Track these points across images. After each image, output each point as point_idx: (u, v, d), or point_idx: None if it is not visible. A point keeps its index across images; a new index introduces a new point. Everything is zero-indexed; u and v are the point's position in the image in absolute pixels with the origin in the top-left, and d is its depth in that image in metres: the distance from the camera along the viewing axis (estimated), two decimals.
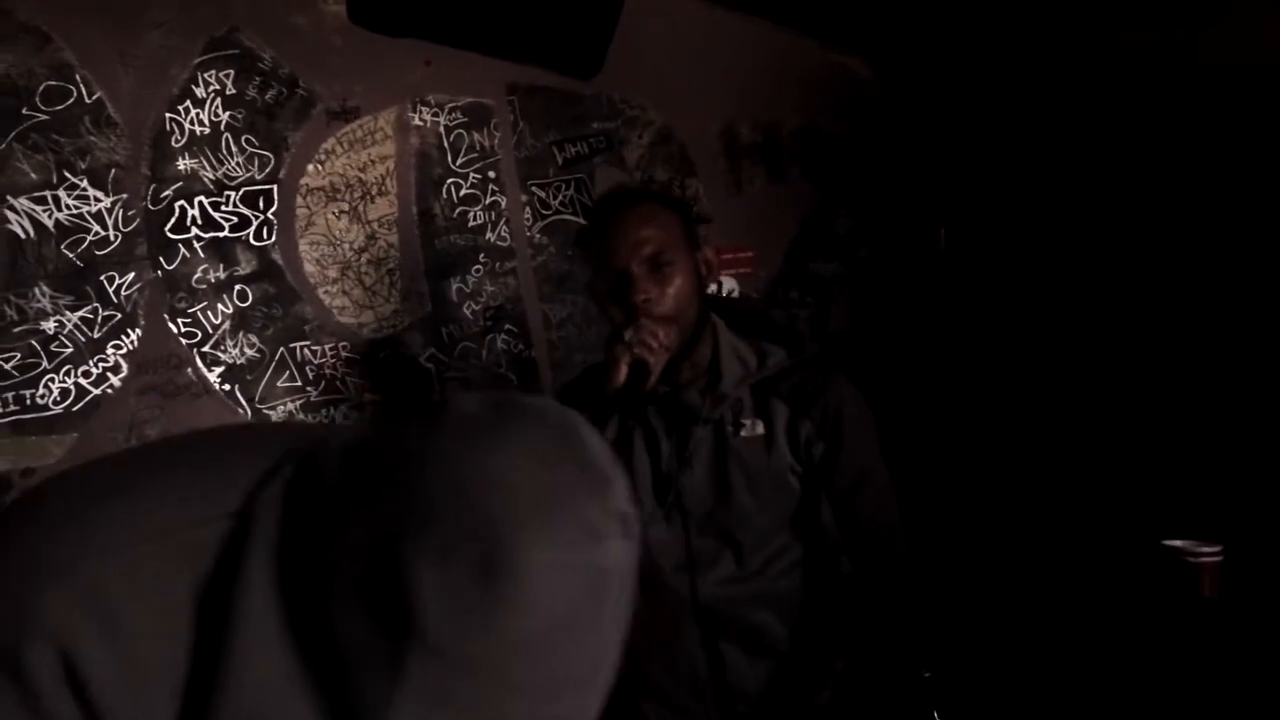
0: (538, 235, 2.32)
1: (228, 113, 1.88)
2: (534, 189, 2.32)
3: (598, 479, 0.57)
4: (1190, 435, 2.28)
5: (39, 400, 1.79)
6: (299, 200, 1.99)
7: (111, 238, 1.85)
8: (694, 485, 1.38)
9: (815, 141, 2.89)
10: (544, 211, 2.33)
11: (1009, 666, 2.07)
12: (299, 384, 1.93)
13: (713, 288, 1.58)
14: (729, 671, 1.39)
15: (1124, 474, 2.34)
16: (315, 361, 1.97)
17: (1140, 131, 2.64)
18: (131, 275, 1.86)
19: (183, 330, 1.89)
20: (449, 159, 2.20)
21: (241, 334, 1.88)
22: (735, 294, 2.70)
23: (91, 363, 1.83)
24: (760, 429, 1.38)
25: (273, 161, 1.95)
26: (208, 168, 1.86)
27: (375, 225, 2.08)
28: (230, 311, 1.88)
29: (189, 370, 1.89)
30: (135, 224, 1.85)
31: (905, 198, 3.03)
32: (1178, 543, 1.64)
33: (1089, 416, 2.59)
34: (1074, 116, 2.80)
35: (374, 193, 2.08)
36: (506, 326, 2.27)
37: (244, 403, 1.86)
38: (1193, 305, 2.52)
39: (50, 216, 1.80)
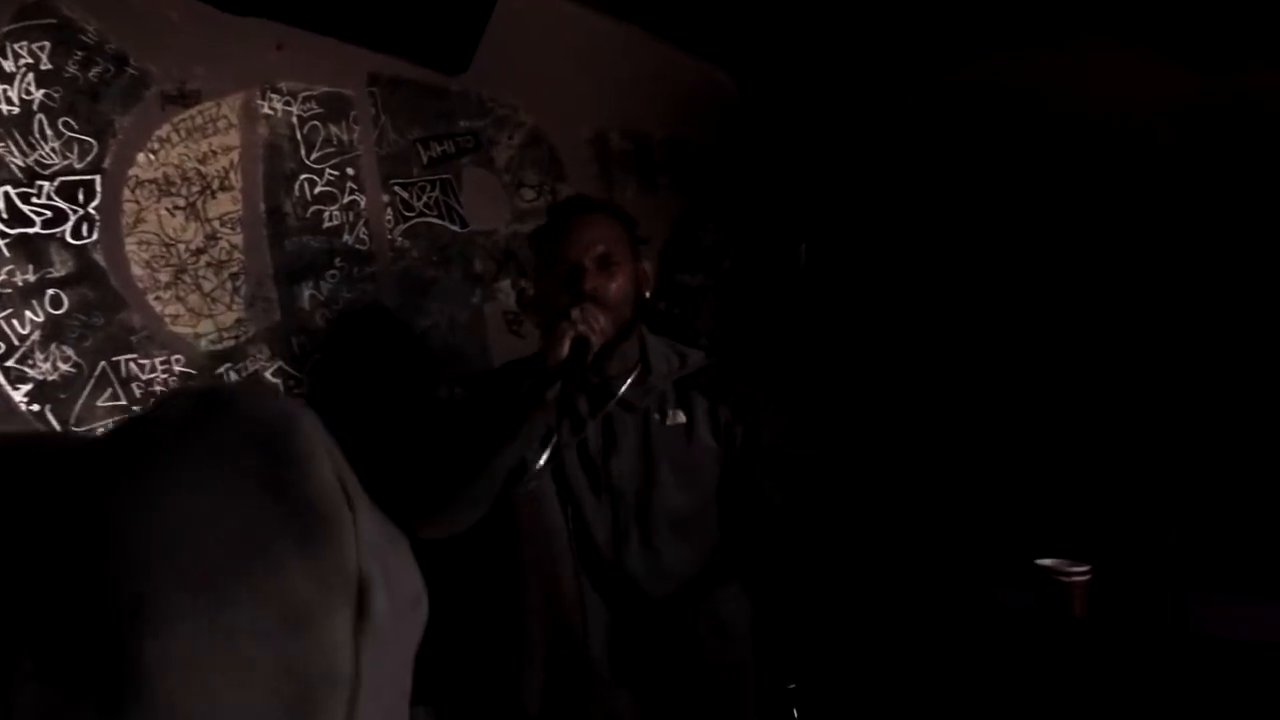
0: (400, 238, 2.16)
1: (42, 91, 1.63)
2: (396, 189, 2.15)
3: (310, 524, 0.37)
4: (1057, 453, 2.40)
5: None
6: (126, 193, 1.75)
7: None
8: (622, 467, 1.54)
9: (684, 152, 2.85)
10: (406, 213, 2.17)
11: (874, 680, 2.08)
12: (124, 403, 1.70)
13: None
14: (643, 641, 1.52)
15: (991, 492, 2.43)
16: (143, 377, 1.74)
17: (996, 152, 2.75)
18: None
19: None
20: (302, 153, 2.00)
21: (54, 346, 1.63)
22: None
23: None
24: (682, 418, 1.56)
25: (96, 148, 1.70)
26: (16, 153, 1.60)
27: (216, 224, 1.87)
28: (41, 320, 1.62)
29: None
30: None
31: (768, 211, 3.05)
32: (1048, 562, 1.69)
33: (954, 434, 2.68)
34: (933, 134, 2.89)
35: (215, 187, 1.86)
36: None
37: (56, 425, 1.62)
38: (1059, 321, 2.65)
39: None
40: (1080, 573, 1.64)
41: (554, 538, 1.57)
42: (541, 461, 1.50)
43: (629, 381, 1.54)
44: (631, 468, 1.54)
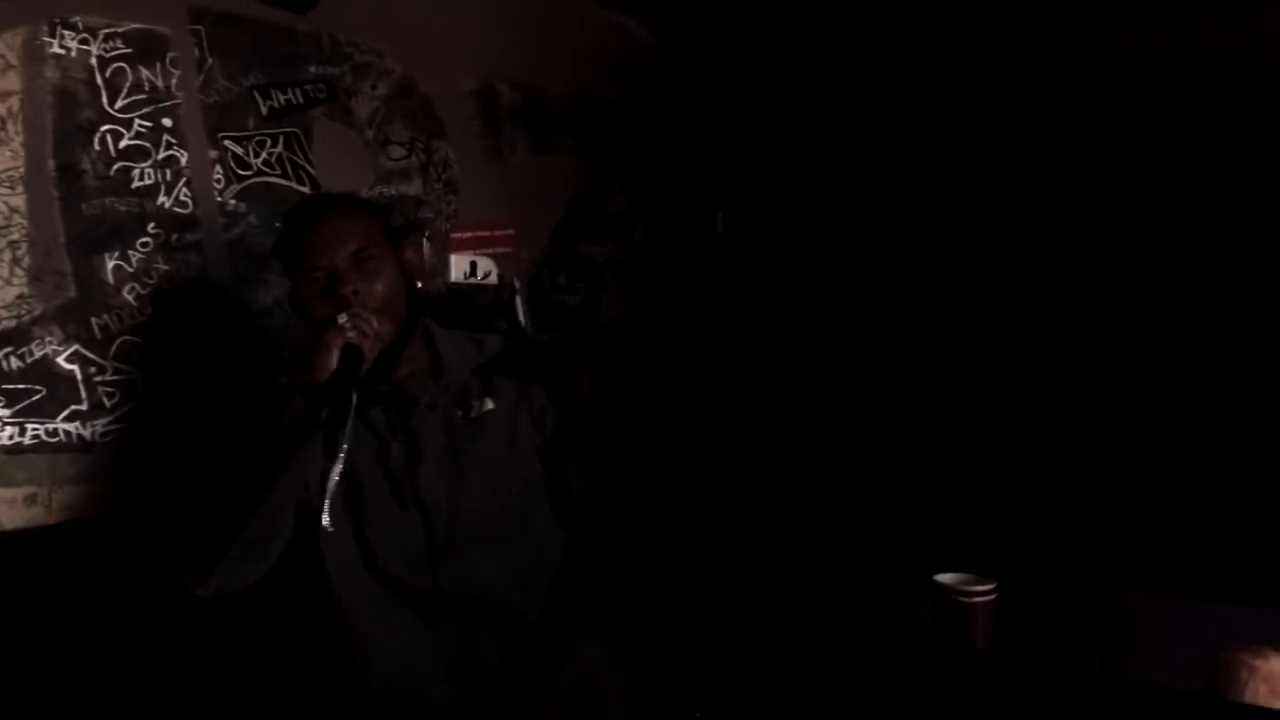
0: (232, 201, 1.88)
1: None
2: (228, 144, 1.87)
3: None
4: (974, 443, 2.18)
5: None
6: None
7: None
8: (430, 477, 1.39)
9: (588, 109, 2.58)
10: (241, 172, 1.89)
11: (773, 693, 1.86)
12: None
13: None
14: (482, 658, 1.39)
15: (901, 486, 2.21)
16: None
17: (933, 112, 2.51)
18: None
19: None
20: (104, 100, 1.71)
21: None
22: (492, 276, 2.36)
23: None
24: (490, 404, 1.43)
25: None
26: None
27: None
28: None
29: None
30: None
31: (683, 176, 2.79)
32: (946, 578, 1.46)
33: (871, 417, 2.45)
34: (866, 96, 2.64)
35: None
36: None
37: None
38: (984, 299, 2.42)
39: None
40: (983, 592, 1.41)
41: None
42: (330, 489, 1.31)
43: (420, 381, 1.43)
44: (439, 473, 1.39)
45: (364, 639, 1.42)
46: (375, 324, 1.32)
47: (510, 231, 2.41)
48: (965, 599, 1.41)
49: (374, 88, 2.10)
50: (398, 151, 2.14)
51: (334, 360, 1.29)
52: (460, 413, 1.42)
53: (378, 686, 1.42)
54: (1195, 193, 2.11)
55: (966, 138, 2.40)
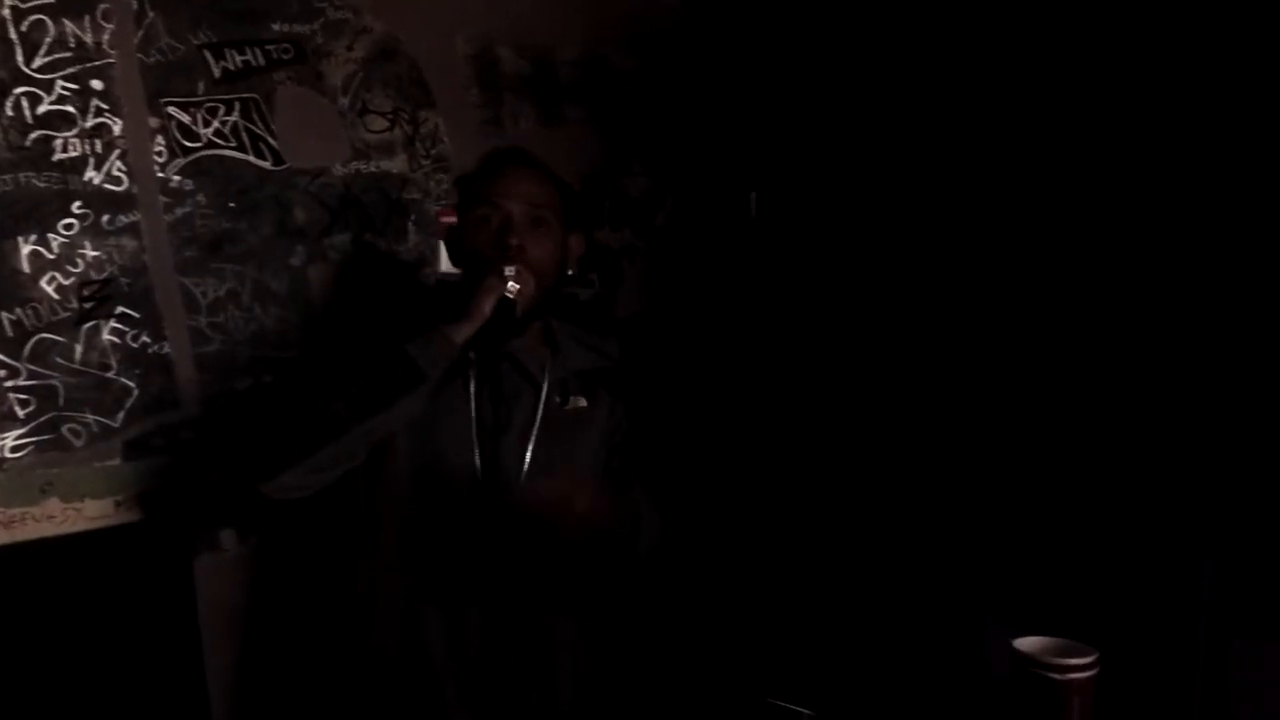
0: (176, 178, 1.62)
1: None
2: (171, 111, 1.61)
3: None
4: (1044, 465, 1.85)
5: None
6: None
7: None
8: (511, 448, 1.36)
9: (602, 77, 2.29)
10: (188, 144, 1.63)
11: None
12: None
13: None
14: (506, 645, 1.33)
15: (947, 518, 1.89)
16: None
17: (998, 81, 2.18)
18: None
19: None
20: (19, 58, 1.46)
21: None
22: None
23: None
24: (584, 403, 1.44)
25: None
26: None
27: None
28: None
29: None
30: None
31: (711, 154, 2.48)
32: (1029, 643, 1.14)
33: (924, 431, 2.13)
34: (917, 59, 2.31)
35: None
36: (119, 310, 1.56)
37: None
38: (1061, 303, 2.09)
39: None
40: (1083, 665, 1.10)
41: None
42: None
43: (540, 360, 1.43)
44: (516, 450, 1.37)
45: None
46: (533, 285, 1.33)
47: None
48: (1059, 675, 1.09)
49: (350, 49, 1.82)
50: (378, 123, 1.86)
51: (490, 308, 1.28)
52: (559, 399, 1.41)
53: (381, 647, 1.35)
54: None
55: (1034, 105, 2.07)
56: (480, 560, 1.32)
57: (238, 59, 1.68)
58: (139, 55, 1.57)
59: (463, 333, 1.28)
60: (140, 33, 1.57)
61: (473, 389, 1.35)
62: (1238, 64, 1.73)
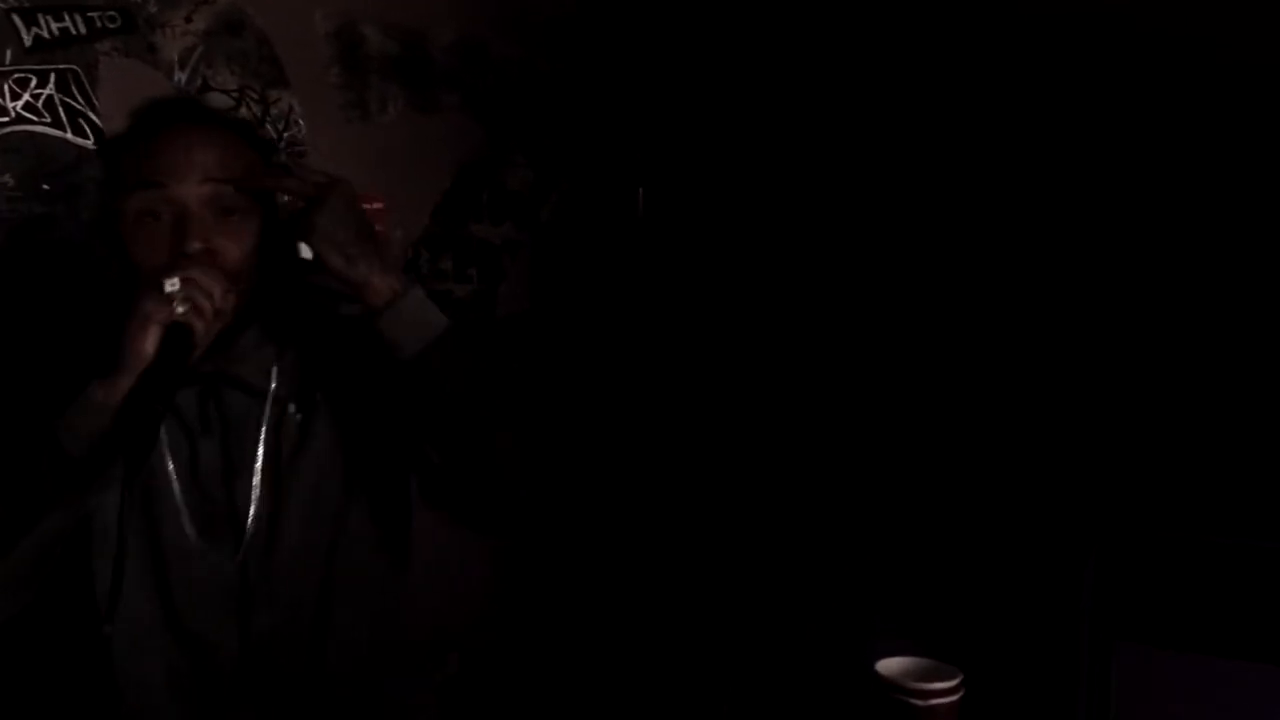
0: None
1: None
2: None
3: None
4: (918, 461, 1.81)
5: None
6: None
7: None
8: (246, 489, 1.06)
9: (481, 62, 2.17)
10: None
11: None
12: None
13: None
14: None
15: (830, 522, 1.84)
16: None
17: (886, 68, 2.13)
18: None
19: None
20: None
21: None
22: None
23: None
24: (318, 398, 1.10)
25: None
26: None
27: None
28: None
29: None
30: None
31: (599, 147, 2.39)
32: (891, 665, 1.08)
33: (806, 430, 2.08)
34: (810, 50, 2.26)
35: None
36: None
37: None
38: (944, 298, 2.06)
39: None
40: (946, 690, 1.03)
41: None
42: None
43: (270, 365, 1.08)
44: (262, 484, 1.06)
45: None
46: (218, 297, 0.95)
47: (379, 206, 1.97)
48: (920, 700, 1.03)
49: (189, 20, 1.66)
50: (222, 101, 1.71)
51: (151, 345, 0.92)
52: (292, 407, 1.08)
53: None
54: (1198, 189, 1.75)
55: (927, 96, 2.03)
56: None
57: (54, 26, 1.51)
58: None
59: (118, 389, 0.91)
60: None
61: (166, 445, 1.04)
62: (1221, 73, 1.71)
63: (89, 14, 1.55)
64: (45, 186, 1.50)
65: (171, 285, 0.93)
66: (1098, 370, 1.79)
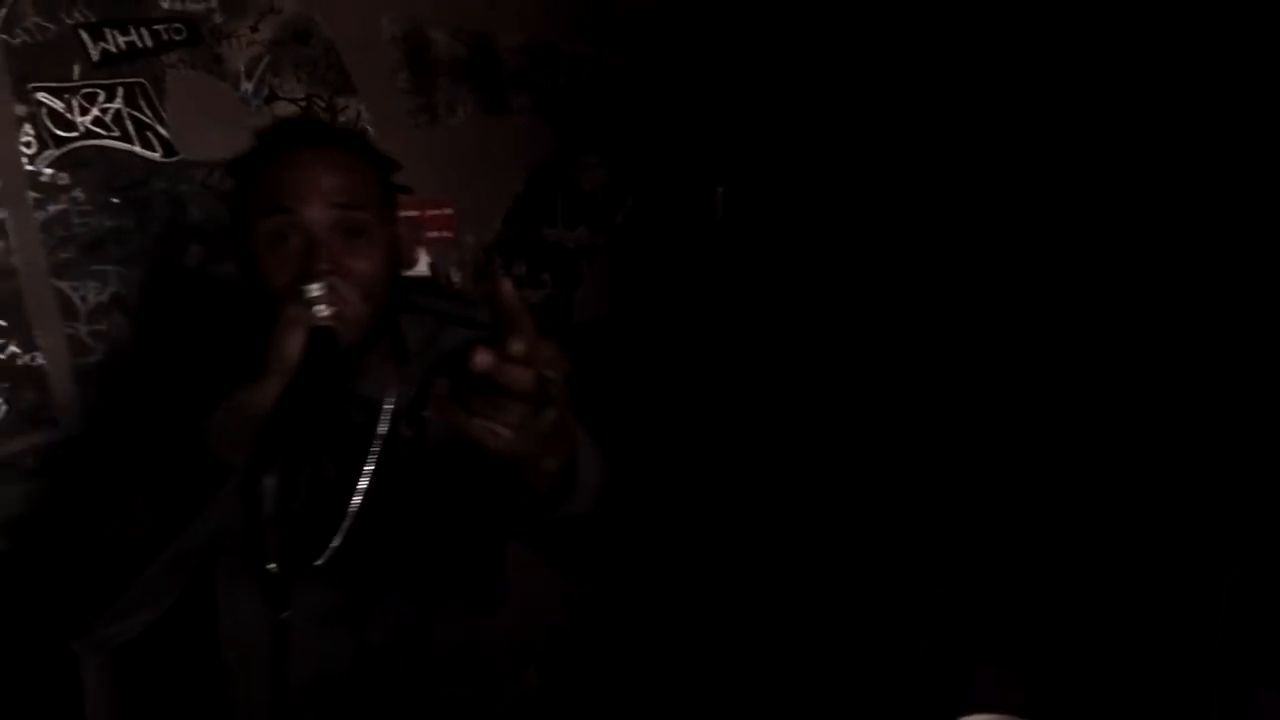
0: (49, 171, 1.46)
1: None
2: (42, 97, 1.45)
3: None
4: (1022, 479, 1.66)
5: None
6: None
7: None
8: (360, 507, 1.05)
9: (552, 63, 2.12)
10: (62, 133, 1.47)
11: None
12: None
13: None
14: None
15: (916, 541, 1.71)
16: None
17: (976, 64, 1.99)
18: None
19: None
20: None
21: None
22: (422, 266, 1.92)
23: None
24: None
25: None
26: None
27: None
28: None
29: None
30: None
31: (676, 146, 2.31)
32: None
33: (896, 437, 1.95)
34: (895, 50, 2.13)
35: None
36: None
37: None
38: (1045, 297, 1.90)
39: None
40: None
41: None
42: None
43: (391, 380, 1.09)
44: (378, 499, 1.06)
45: None
46: (359, 301, 1.00)
47: (448, 211, 1.96)
48: None
49: (254, 30, 1.66)
50: (289, 110, 1.71)
51: (297, 348, 0.93)
52: (405, 425, 1.09)
53: None
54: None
55: (1014, 91, 1.88)
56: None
57: (120, 40, 1.53)
58: (2, 36, 1.42)
59: (267, 393, 0.92)
60: (3, 11, 1.42)
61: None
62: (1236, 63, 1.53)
63: (155, 27, 1.56)
64: (115, 200, 1.52)
65: (314, 289, 0.96)
66: (1238, 389, 1.61)
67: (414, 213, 1.90)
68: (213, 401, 0.94)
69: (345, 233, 1.03)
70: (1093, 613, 1.57)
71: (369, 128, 1.82)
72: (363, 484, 1.05)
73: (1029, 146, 1.82)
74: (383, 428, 1.07)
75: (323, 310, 0.95)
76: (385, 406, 1.07)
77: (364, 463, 1.06)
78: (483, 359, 0.64)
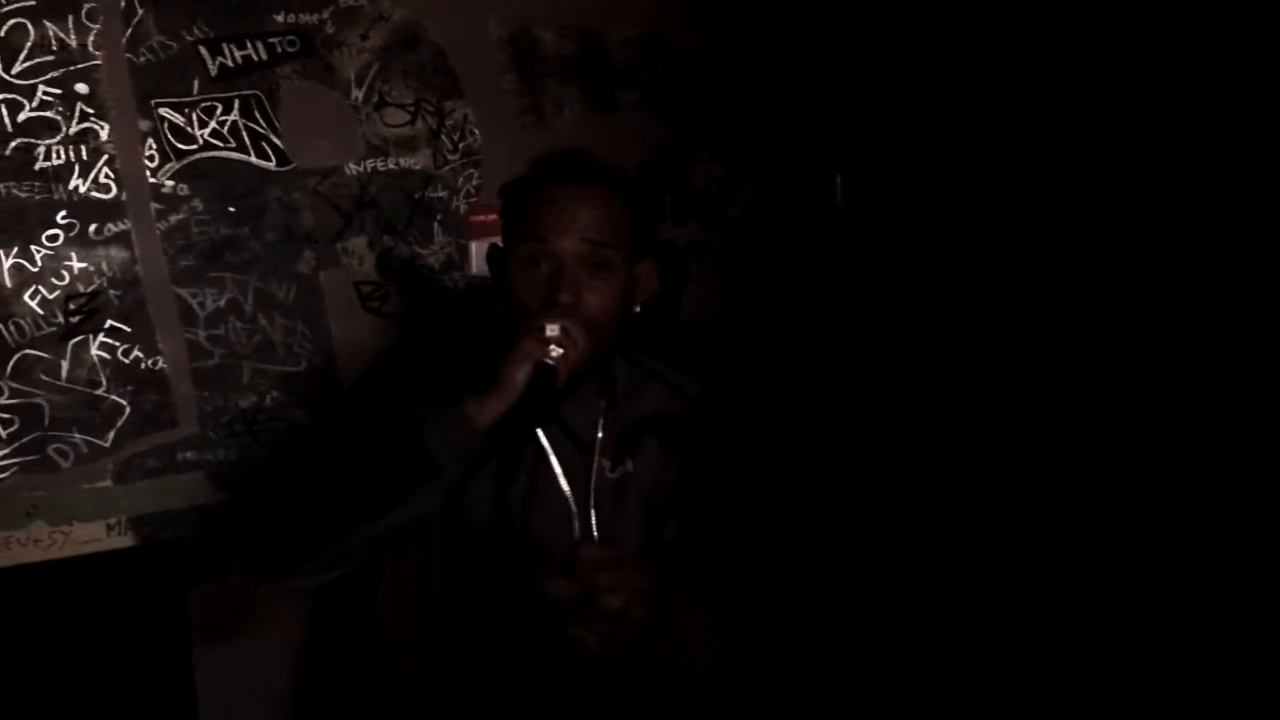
0: (170, 183, 1.53)
1: None
2: (164, 112, 1.52)
3: None
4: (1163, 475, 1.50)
5: None
6: None
7: None
8: (545, 529, 1.13)
9: (661, 56, 2.07)
10: (183, 147, 1.54)
11: None
12: None
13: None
14: None
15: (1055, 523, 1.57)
16: None
17: (1102, 56, 1.81)
18: None
19: None
20: None
21: None
22: None
23: None
24: (630, 467, 1.17)
25: None
26: None
27: None
28: None
29: None
30: None
31: (791, 136, 2.21)
32: None
33: (1026, 432, 1.81)
34: (1021, 37, 1.97)
35: None
36: (108, 324, 1.49)
37: None
38: (1155, 274, 1.72)
39: None
40: None
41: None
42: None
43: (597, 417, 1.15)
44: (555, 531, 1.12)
45: None
46: (583, 343, 1.04)
47: None
48: None
49: (364, 38, 1.69)
50: (398, 116, 1.73)
51: (524, 379, 1.01)
52: (605, 463, 1.14)
53: None
54: None
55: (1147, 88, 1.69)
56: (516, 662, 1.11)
57: (237, 54, 1.58)
58: (128, 55, 1.49)
59: (489, 412, 1.01)
60: (129, 31, 1.49)
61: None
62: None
63: (269, 40, 1.61)
64: (231, 209, 1.58)
65: (553, 330, 1.02)
66: None
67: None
68: (442, 393, 1.03)
69: (591, 266, 1.08)
70: (1250, 649, 1.41)
71: (476, 131, 1.82)
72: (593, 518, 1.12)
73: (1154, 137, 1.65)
74: (599, 461, 1.12)
75: (554, 351, 1.01)
76: (594, 441, 1.13)
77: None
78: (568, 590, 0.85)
